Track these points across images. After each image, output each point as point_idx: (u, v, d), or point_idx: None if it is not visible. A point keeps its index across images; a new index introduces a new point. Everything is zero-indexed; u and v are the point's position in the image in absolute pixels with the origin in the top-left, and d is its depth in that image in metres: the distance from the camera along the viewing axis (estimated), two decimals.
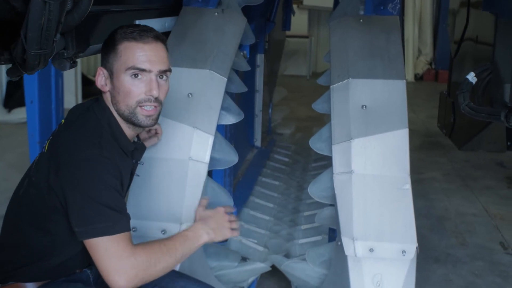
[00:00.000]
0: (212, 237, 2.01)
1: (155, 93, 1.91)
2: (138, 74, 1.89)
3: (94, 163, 1.78)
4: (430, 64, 11.95)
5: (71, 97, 7.71)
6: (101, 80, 1.94)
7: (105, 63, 1.93)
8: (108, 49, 1.92)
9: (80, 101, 8.05)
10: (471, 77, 2.86)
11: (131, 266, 1.73)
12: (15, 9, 1.46)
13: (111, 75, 1.92)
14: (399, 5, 3.06)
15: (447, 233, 4.15)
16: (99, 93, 1.99)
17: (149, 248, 1.80)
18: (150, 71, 1.90)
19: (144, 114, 1.92)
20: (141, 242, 1.82)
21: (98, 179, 1.77)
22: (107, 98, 1.95)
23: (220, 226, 2.04)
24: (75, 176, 1.76)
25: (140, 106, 1.91)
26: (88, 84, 8.57)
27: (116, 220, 1.76)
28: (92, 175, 1.77)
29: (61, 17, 1.47)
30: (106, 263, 1.73)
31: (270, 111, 5.88)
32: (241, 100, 4.18)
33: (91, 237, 1.74)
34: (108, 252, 1.73)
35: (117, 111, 1.93)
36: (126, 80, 1.89)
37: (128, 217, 1.82)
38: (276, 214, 3.83)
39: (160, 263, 1.80)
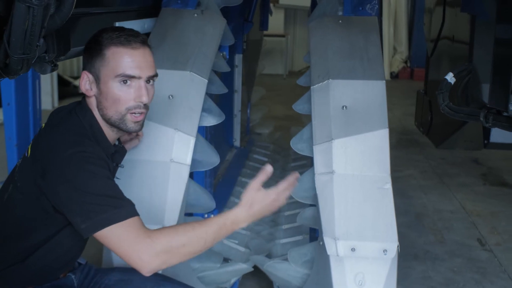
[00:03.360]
0: (249, 222, 1.90)
1: (145, 99, 1.90)
2: (127, 81, 1.88)
3: (81, 159, 1.75)
4: (406, 62, 12.07)
5: (47, 98, 7.63)
6: (85, 84, 1.91)
7: (89, 68, 1.90)
8: (93, 53, 1.88)
9: (56, 102, 7.97)
10: (450, 77, 2.89)
11: (148, 247, 1.68)
12: None
13: (97, 80, 1.89)
14: (377, 6, 3.08)
15: (426, 230, 4.20)
16: (78, 95, 1.97)
17: (171, 231, 1.74)
18: (139, 78, 1.89)
19: (133, 120, 1.92)
20: (169, 226, 1.78)
21: (88, 172, 1.74)
22: (91, 102, 1.92)
23: (262, 211, 1.89)
24: (65, 174, 1.73)
25: (130, 112, 1.90)
26: (64, 84, 8.49)
27: (119, 206, 1.71)
28: (82, 170, 1.74)
29: (44, 21, 1.46)
30: (124, 249, 1.68)
31: (248, 111, 5.88)
32: (220, 100, 4.18)
33: (100, 229, 1.69)
34: (122, 238, 1.68)
35: (103, 116, 1.91)
36: (115, 87, 1.87)
37: (131, 203, 1.77)
38: None
39: (184, 247, 1.74)
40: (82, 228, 1.71)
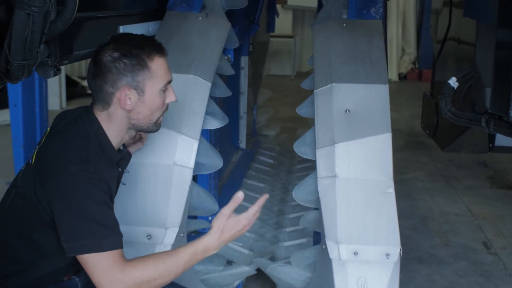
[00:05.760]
0: (219, 249, 1.91)
1: (175, 98, 2.00)
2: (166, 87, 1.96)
3: (82, 178, 1.76)
4: (414, 63, 12.02)
5: (55, 99, 7.65)
6: (133, 101, 1.90)
7: (130, 82, 1.88)
8: (136, 68, 1.87)
9: (64, 102, 7.99)
10: (453, 82, 2.88)
11: (120, 281, 1.71)
12: None
13: (140, 93, 1.90)
14: (382, 9, 3.08)
15: (431, 233, 4.19)
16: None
17: (143, 265, 1.76)
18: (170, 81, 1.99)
19: (161, 120, 2.02)
20: (138, 257, 1.79)
21: (86, 194, 1.75)
22: (105, 114, 1.91)
23: (233, 236, 1.91)
24: (62, 191, 1.75)
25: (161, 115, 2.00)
26: (72, 85, 8.51)
27: (105, 237, 1.73)
28: (79, 190, 1.75)
29: (44, 28, 1.47)
30: (97, 277, 1.72)
31: (254, 112, 5.89)
32: (226, 102, 4.19)
33: (79, 254, 1.73)
34: (97, 267, 1.72)
35: (134, 125, 1.95)
36: (160, 95, 1.94)
37: (119, 235, 1.79)
38: (261, 217, 3.83)
39: (155, 280, 1.76)
40: (64, 246, 1.75)
